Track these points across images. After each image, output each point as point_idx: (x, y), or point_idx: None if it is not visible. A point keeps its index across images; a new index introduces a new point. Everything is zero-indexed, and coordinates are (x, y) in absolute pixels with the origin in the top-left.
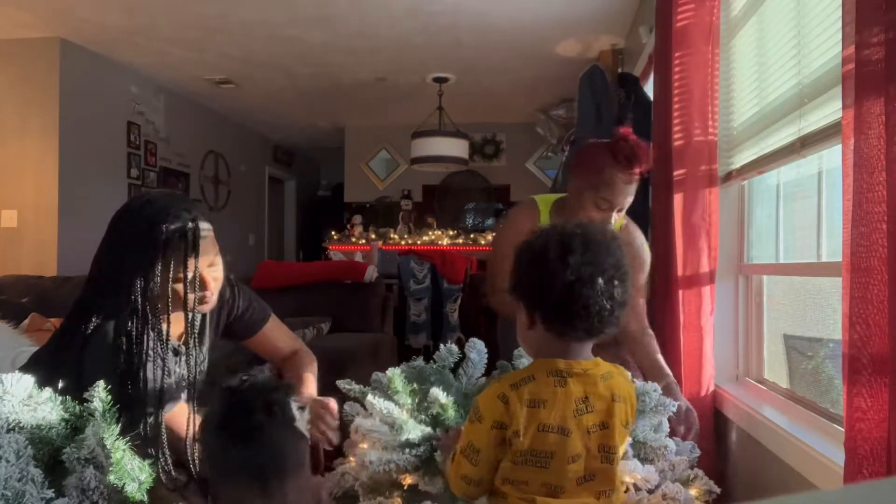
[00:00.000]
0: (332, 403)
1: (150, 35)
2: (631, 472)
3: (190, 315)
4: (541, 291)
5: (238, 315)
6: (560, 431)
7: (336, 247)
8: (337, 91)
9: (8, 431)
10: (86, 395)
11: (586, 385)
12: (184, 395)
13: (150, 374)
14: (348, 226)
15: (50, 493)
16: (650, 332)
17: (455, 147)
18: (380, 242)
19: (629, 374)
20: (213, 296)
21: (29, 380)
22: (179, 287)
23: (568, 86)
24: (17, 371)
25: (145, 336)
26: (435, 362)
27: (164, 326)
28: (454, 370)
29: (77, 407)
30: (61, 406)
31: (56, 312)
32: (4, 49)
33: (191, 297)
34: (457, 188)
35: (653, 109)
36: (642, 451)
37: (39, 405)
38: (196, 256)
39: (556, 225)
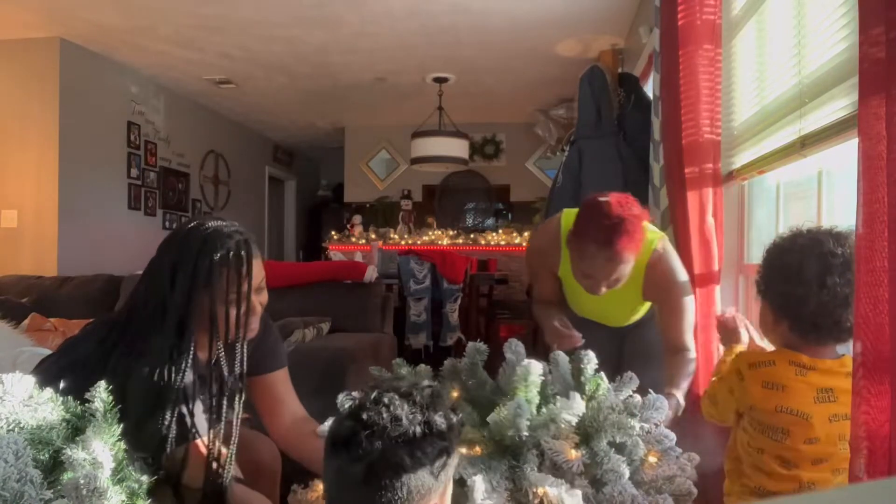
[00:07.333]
0: None
1: (150, 35)
2: (542, 484)
3: (239, 341)
4: (791, 303)
5: (256, 348)
6: (798, 415)
7: (336, 247)
8: (337, 91)
9: (8, 432)
10: (87, 395)
11: (830, 378)
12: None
13: (185, 403)
14: (348, 226)
15: (49, 494)
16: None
17: (455, 147)
18: (380, 242)
19: None
20: (257, 320)
21: (29, 380)
22: (232, 311)
23: (568, 86)
24: (23, 370)
25: (185, 360)
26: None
27: (206, 353)
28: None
29: (78, 407)
30: (62, 406)
31: (56, 312)
32: (4, 49)
33: (241, 320)
34: (457, 188)
35: (661, 104)
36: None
37: (40, 406)
38: (249, 278)
39: (815, 238)
